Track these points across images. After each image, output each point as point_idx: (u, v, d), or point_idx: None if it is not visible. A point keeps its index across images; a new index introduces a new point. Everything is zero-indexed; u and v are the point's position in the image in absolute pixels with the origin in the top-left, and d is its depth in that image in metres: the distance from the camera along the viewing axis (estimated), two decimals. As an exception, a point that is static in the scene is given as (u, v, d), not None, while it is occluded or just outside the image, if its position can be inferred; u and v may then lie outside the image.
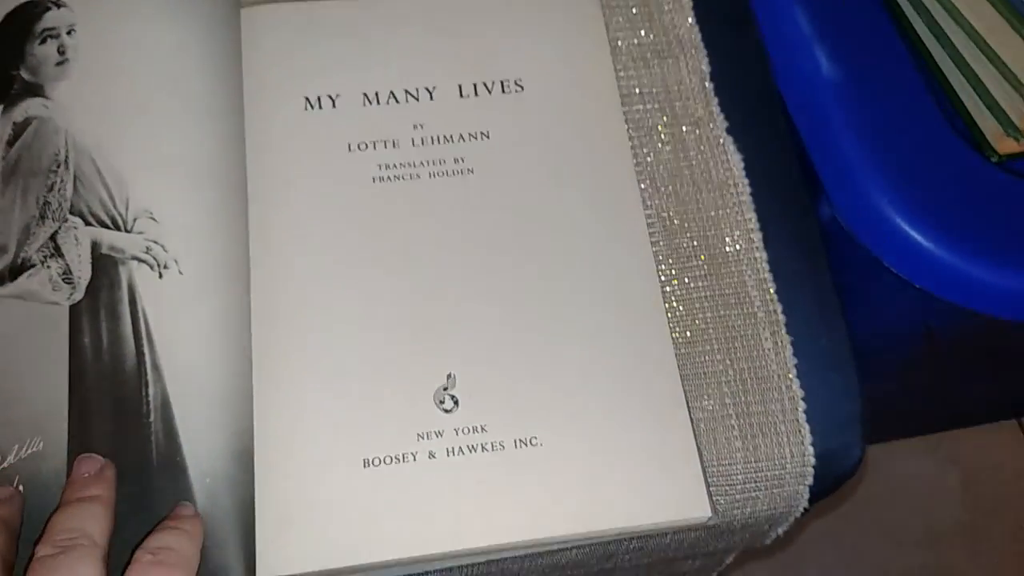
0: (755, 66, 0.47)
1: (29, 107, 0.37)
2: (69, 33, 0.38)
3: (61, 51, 0.38)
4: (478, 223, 0.39)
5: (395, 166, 0.40)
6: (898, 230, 0.45)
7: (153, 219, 0.36)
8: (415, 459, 0.35)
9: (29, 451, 0.33)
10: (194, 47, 0.39)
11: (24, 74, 0.38)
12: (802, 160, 0.47)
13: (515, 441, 0.36)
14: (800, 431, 0.39)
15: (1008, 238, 0.45)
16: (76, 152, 0.37)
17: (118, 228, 0.36)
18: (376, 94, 0.41)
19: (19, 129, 0.37)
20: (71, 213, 0.36)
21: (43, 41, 0.38)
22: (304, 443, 0.35)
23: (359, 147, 0.40)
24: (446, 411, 0.36)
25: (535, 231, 0.39)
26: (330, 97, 0.41)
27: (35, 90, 0.37)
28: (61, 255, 0.35)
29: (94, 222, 0.36)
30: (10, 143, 0.37)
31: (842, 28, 0.48)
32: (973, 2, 0.44)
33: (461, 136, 0.41)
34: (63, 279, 0.35)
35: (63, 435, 0.33)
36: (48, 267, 0.35)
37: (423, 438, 0.35)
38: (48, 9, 0.39)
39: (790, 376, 0.39)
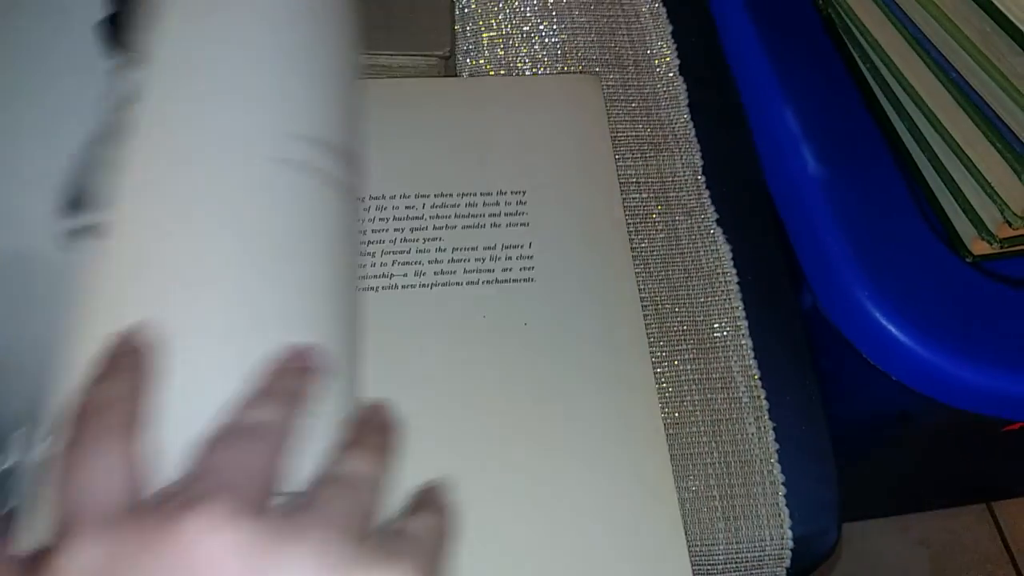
0: (745, 161, 0.50)
1: None
2: None
3: None
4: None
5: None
6: (876, 323, 0.47)
7: None
8: None
9: None
10: None
11: None
12: (787, 251, 0.49)
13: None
14: (780, 515, 0.40)
15: (979, 335, 0.47)
16: None
17: None
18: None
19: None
20: None
21: None
22: None
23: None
24: None
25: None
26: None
27: None
28: None
29: None
30: None
31: (828, 129, 0.50)
32: (952, 113, 0.47)
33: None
34: None
35: None
36: None
37: None
38: None
39: (772, 461, 0.41)
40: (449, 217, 0.43)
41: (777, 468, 0.41)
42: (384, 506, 0.28)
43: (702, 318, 0.44)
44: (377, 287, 0.41)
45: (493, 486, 0.38)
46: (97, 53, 0.41)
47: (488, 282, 0.42)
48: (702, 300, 0.44)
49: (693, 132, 0.49)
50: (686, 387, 0.42)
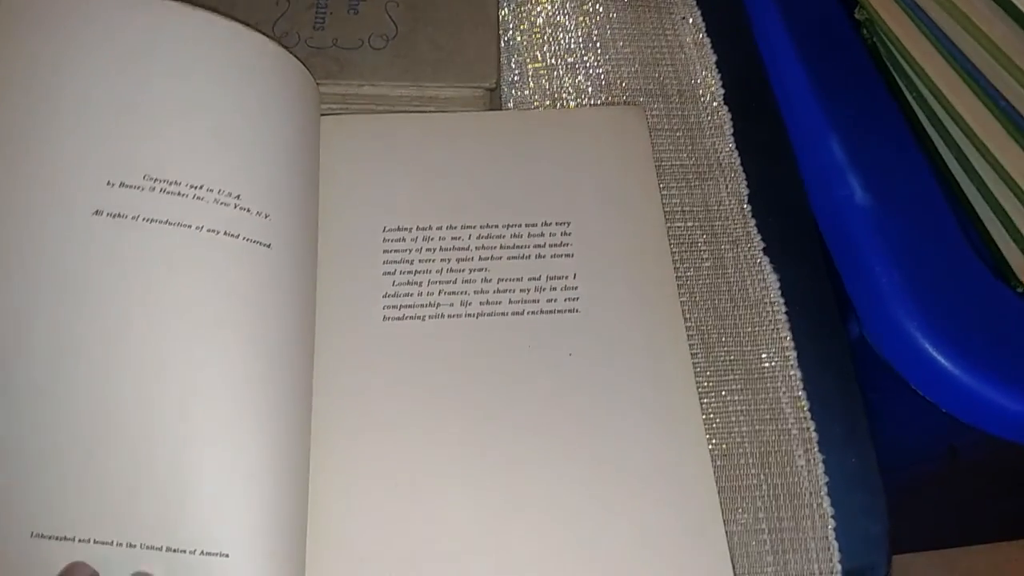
0: (790, 190, 0.49)
1: None
2: None
3: None
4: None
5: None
6: (925, 354, 0.46)
7: None
8: None
9: None
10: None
11: None
12: (833, 281, 0.49)
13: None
14: (829, 548, 0.40)
15: (1032, 367, 0.46)
16: None
17: None
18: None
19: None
20: None
21: None
22: None
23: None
24: None
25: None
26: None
27: None
28: None
29: None
30: None
31: (874, 157, 0.50)
32: (1002, 141, 0.47)
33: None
34: None
35: None
36: None
37: None
38: None
39: (821, 494, 0.40)
40: (495, 248, 0.43)
41: (827, 501, 0.40)
42: None
43: (750, 348, 0.44)
44: (424, 316, 0.41)
45: (537, 517, 0.38)
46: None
47: (533, 313, 0.42)
48: (749, 330, 0.44)
49: (738, 161, 0.49)
50: (734, 418, 0.42)
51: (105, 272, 0.34)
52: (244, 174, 0.38)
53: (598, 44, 0.52)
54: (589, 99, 0.50)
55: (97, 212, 0.35)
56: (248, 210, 0.38)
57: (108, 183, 0.36)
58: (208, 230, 0.36)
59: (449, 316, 0.41)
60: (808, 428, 0.42)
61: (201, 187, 0.37)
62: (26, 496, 0.31)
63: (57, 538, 0.31)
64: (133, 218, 0.35)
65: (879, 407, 0.46)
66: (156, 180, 0.36)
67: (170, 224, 0.36)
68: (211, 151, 0.38)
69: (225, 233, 0.37)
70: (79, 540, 0.31)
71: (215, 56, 0.40)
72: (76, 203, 0.35)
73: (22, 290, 0.34)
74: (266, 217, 0.38)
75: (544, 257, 0.43)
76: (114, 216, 0.35)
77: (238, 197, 0.38)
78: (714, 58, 0.52)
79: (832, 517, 0.40)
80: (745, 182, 0.48)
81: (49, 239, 0.34)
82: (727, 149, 0.49)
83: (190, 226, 0.36)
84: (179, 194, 0.36)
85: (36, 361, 0.33)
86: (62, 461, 0.32)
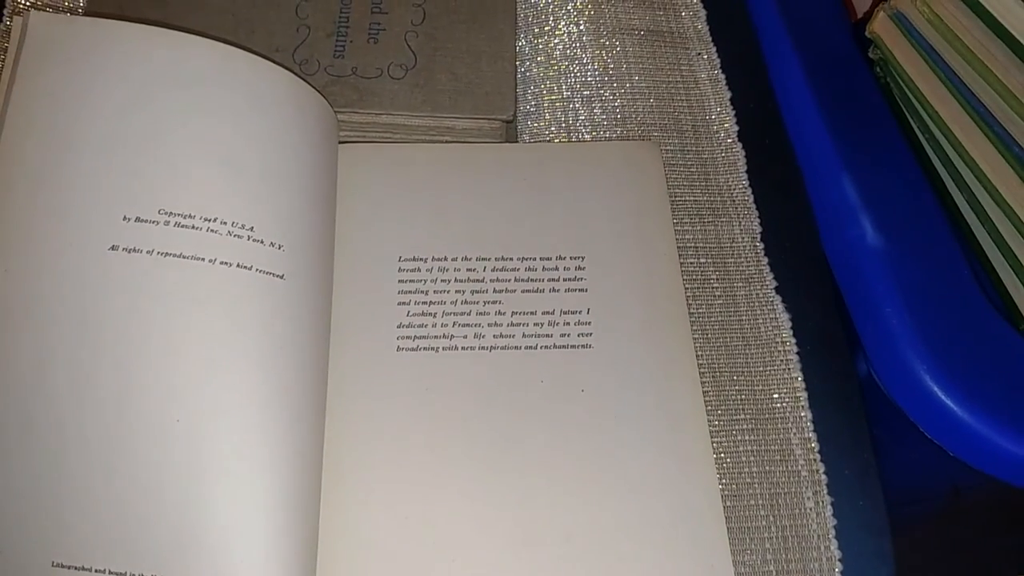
0: (803, 229, 0.49)
1: None
2: None
3: None
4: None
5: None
6: (933, 397, 0.46)
7: None
8: None
9: None
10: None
11: None
12: (843, 319, 0.49)
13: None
14: (837, 592, 0.40)
15: (1039, 413, 0.46)
16: None
17: None
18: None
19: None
20: None
21: None
22: None
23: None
24: None
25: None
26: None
27: None
28: None
29: None
30: None
31: (887, 198, 0.50)
32: (1015, 188, 0.47)
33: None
34: None
35: None
36: None
37: None
38: None
39: (829, 536, 0.40)
40: (509, 280, 0.43)
41: (834, 544, 0.40)
42: None
43: (761, 387, 0.44)
44: (438, 348, 0.41)
45: (547, 551, 0.38)
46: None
47: (546, 347, 0.42)
48: (760, 369, 0.44)
49: (751, 199, 0.49)
50: (744, 458, 0.42)
51: (121, 307, 0.35)
52: (258, 206, 0.39)
53: (614, 78, 0.52)
54: (604, 132, 0.50)
55: (113, 247, 0.35)
56: (261, 241, 0.38)
57: (124, 218, 0.36)
58: (221, 263, 0.37)
59: (463, 348, 0.42)
60: (818, 471, 0.42)
61: (215, 220, 0.37)
62: (48, 526, 0.32)
63: (76, 568, 0.31)
64: (148, 252, 0.36)
65: (883, 445, 0.46)
66: (171, 214, 0.37)
67: (184, 258, 0.36)
68: (225, 184, 0.38)
69: (238, 265, 0.37)
70: (95, 571, 0.31)
71: (231, 89, 0.40)
72: (93, 239, 0.35)
73: (41, 325, 0.34)
74: (279, 248, 0.38)
75: (558, 291, 0.43)
76: (129, 251, 0.36)
77: (251, 229, 0.38)
78: (729, 95, 0.52)
79: (839, 560, 0.40)
80: (758, 219, 0.48)
81: (67, 275, 0.35)
82: (741, 186, 0.49)
83: (203, 259, 0.36)
84: (193, 227, 0.37)
85: (55, 394, 0.33)
86: (81, 492, 0.32)
